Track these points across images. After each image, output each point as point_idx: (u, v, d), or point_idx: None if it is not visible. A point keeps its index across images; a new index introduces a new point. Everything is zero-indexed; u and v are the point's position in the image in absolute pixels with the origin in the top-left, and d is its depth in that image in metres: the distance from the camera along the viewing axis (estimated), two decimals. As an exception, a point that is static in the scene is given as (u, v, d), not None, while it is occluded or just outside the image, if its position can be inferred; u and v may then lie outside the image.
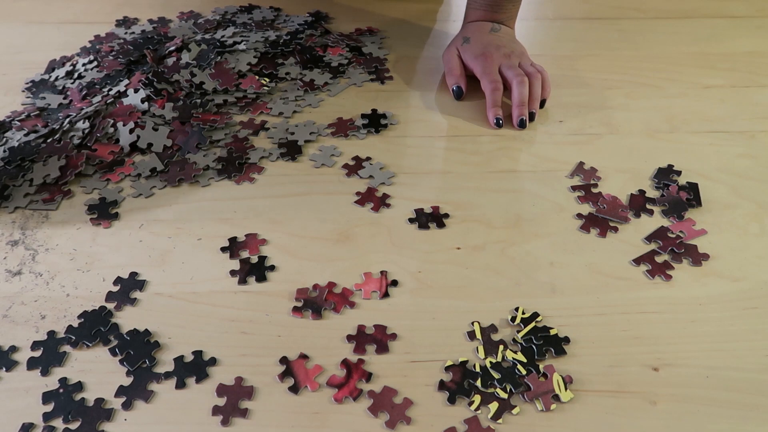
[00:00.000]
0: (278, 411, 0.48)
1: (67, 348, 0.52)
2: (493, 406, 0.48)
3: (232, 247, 0.60)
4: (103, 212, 0.63)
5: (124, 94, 0.73)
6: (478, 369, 0.50)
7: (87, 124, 0.69)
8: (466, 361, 0.51)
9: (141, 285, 0.56)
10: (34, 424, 0.47)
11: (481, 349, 0.52)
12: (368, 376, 0.50)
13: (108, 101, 0.72)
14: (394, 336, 0.53)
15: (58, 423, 0.47)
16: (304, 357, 0.51)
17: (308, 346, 0.52)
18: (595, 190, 0.66)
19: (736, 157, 0.70)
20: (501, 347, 0.52)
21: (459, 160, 0.70)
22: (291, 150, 0.70)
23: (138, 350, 0.51)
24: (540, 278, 0.57)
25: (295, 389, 0.49)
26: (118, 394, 0.49)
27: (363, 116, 0.74)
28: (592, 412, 0.48)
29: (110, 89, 0.74)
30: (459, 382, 0.49)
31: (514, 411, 0.48)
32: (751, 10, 0.96)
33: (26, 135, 0.68)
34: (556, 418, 0.48)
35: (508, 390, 0.49)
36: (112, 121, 0.70)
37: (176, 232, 0.61)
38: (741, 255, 0.60)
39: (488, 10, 0.81)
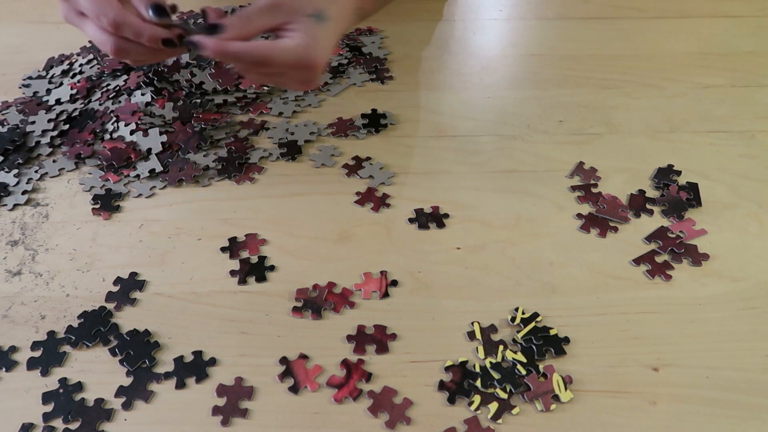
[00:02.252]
0: (278, 411, 0.48)
1: (67, 348, 0.52)
2: (493, 407, 0.48)
3: (232, 247, 0.60)
4: (106, 204, 0.63)
5: (125, 90, 0.73)
6: (478, 369, 0.50)
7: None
8: (466, 362, 0.51)
9: (141, 285, 0.56)
10: (34, 424, 0.47)
11: (480, 349, 0.52)
12: (368, 377, 0.50)
13: (110, 96, 0.72)
14: (394, 336, 0.53)
15: (58, 423, 0.47)
16: (304, 357, 0.51)
17: (308, 346, 0.52)
18: (595, 190, 0.66)
19: (736, 157, 0.70)
20: (501, 347, 0.52)
21: (459, 160, 0.70)
22: (291, 150, 0.70)
23: (138, 350, 0.51)
24: (540, 278, 0.57)
25: (295, 389, 0.49)
26: (118, 395, 0.49)
27: (363, 116, 0.74)
28: (592, 412, 0.48)
29: (109, 84, 0.75)
30: (459, 383, 0.49)
31: (514, 411, 0.48)
32: (751, 10, 0.96)
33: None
34: (556, 418, 0.48)
35: (508, 390, 0.49)
36: (115, 117, 0.70)
37: (176, 232, 0.61)
38: (741, 255, 0.60)
39: None
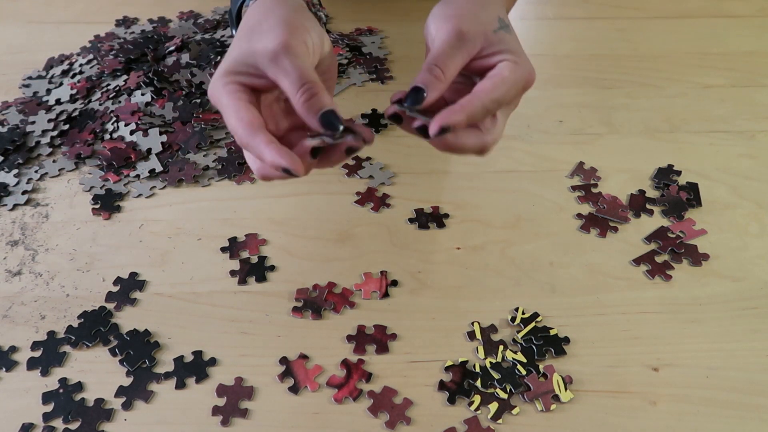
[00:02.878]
0: (278, 411, 0.48)
1: (67, 348, 0.52)
2: (493, 407, 0.48)
3: (232, 247, 0.60)
4: (106, 204, 0.63)
5: (125, 90, 0.73)
6: (478, 369, 0.50)
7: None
8: (466, 362, 0.51)
9: (141, 285, 0.56)
10: (34, 425, 0.47)
11: (481, 349, 0.52)
12: (368, 377, 0.50)
13: (110, 96, 0.72)
14: (394, 336, 0.53)
15: (58, 423, 0.47)
16: (304, 357, 0.51)
17: (308, 346, 0.52)
18: (595, 190, 0.66)
19: (736, 157, 0.70)
20: (501, 347, 0.52)
21: (459, 160, 0.69)
22: (291, 150, 0.70)
23: (138, 350, 0.51)
24: (540, 278, 0.57)
25: (295, 389, 0.49)
26: (118, 395, 0.49)
27: (363, 116, 0.74)
28: (591, 412, 0.48)
29: (109, 84, 0.75)
30: (459, 383, 0.49)
31: (514, 411, 0.48)
32: (751, 10, 0.96)
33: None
34: (556, 418, 0.48)
35: (508, 390, 0.49)
36: (115, 117, 0.70)
37: (176, 232, 0.61)
38: (741, 255, 0.60)
39: None
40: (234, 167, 0.67)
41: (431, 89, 0.43)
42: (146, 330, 0.53)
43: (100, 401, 0.48)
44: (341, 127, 0.42)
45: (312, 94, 0.41)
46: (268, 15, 0.45)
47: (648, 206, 0.64)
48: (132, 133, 0.69)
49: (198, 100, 0.74)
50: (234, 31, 0.54)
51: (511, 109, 0.47)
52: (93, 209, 0.63)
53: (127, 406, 0.48)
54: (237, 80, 0.43)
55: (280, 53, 0.42)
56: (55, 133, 0.70)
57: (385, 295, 0.56)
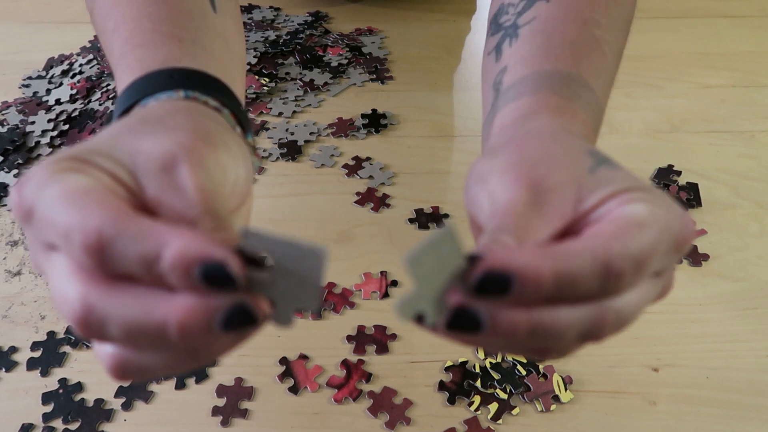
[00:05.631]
0: (278, 411, 0.48)
1: (66, 348, 0.52)
2: (493, 407, 0.48)
3: (232, 247, 0.60)
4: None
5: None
6: (477, 369, 0.50)
7: None
8: (466, 362, 0.51)
9: (141, 285, 0.56)
10: (34, 425, 0.47)
11: (480, 349, 0.52)
12: (368, 377, 0.50)
13: (110, 96, 0.72)
14: (393, 336, 0.53)
15: (58, 423, 0.47)
16: (304, 357, 0.51)
17: (308, 346, 0.52)
18: (595, 190, 0.66)
19: (736, 157, 0.70)
20: (501, 347, 0.52)
21: (459, 160, 0.69)
22: (291, 150, 0.70)
23: (138, 350, 0.51)
24: (540, 278, 0.57)
25: (294, 390, 0.49)
26: (117, 395, 0.49)
27: (363, 116, 0.74)
28: (591, 413, 0.48)
29: (109, 84, 0.75)
30: (459, 383, 0.49)
31: (514, 411, 0.48)
32: (751, 10, 0.96)
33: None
34: (555, 418, 0.48)
35: (507, 390, 0.49)
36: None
37: (176, 232, 0.61)
38: (741, 255, 0.60)
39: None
40: (234, 167, 0.67)
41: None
42: (146, 330, 0.53)
43: (100, 401, 0.48)
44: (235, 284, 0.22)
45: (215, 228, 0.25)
46: (178, 113, 0.30)
47: (648, 206, 0.64)
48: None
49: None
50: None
51: (657, 285, 0.27)
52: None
53: (127, 406, 0.48)
54: (91, 173, 0.24)
55: (180, 160, 0.26)
56: (55, 133, 0.70)
57: (385, 295, 0.56)
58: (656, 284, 0.27)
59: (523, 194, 0.27)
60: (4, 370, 0.50)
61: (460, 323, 0.24)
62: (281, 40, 0.84)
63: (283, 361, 0.51)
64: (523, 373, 0.50)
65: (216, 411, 0.48)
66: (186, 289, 0.22)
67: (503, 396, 0.48)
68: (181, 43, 0.36)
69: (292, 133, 0.72)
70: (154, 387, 0.49)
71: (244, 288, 0.23)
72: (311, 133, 0.72)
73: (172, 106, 0.31)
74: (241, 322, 0.23)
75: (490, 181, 0.29)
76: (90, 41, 0.85)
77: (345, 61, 0.82)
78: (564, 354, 0.26)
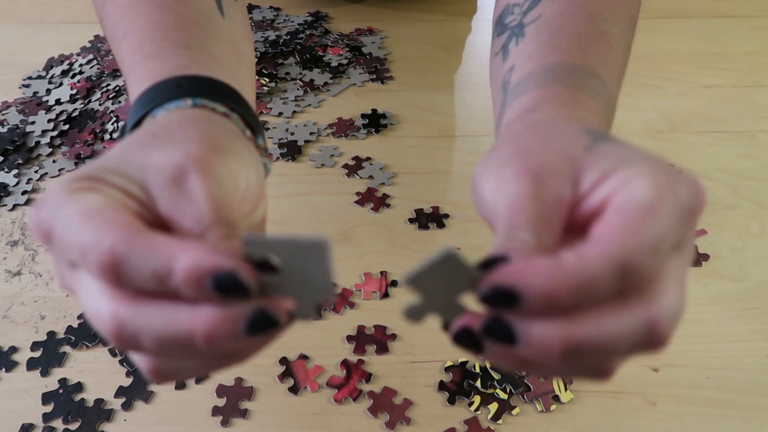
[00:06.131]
0: (278, 412, 0.48)
1: (66, 348, 0.52)
2: (493, 407, 0.48)
3: (232, 247, 0.60)
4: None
5: (125, 90, 0.73)
6: (477, 369, 0.50)
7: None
8: (466, 362, 0.51)
9: (141, 285, 0.56)
10: (34, 425, 0.47)
11: (481, 349, 0.51)
12: (368, 377, 0.50)
13: (110, 96, 0.72)
14: (393, 336, 0.53)
15: (58, 423, 0.47)
16: (304, 357, 0.51)
17: (308, 346, 0.52)
18: (595, 190, 0.66)
19: (736, 157, 0.70)
20: (501, 347, 0.52)
21: (459, 160, 0.69)
22: (291, 150, 0.70)
23: (138, 350, 0.51)
24: (540, 278, 0.57)
25: (294, 390, 0.49)
26: (117, 395, 0.49)
27: (363, 116, 0.74)
28: (591, 413, 0.48)
29: (109, 84, 0.75)
30: (459, 383, 0.49)
31: (514, 411, 0.48)
32: (751, 10, 0.96)
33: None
34: (555, 418, 0.48)
35: (507, 390, 0.49)
36: (115, 117, 0.70)
37: (176, 232, 0.61)
38: (741, 255, 0.60)
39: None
40: (234, 167, 0.67)
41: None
42: (146, 330, 0.53)
43: (100, 401, 0.48)
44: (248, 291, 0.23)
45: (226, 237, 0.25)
46: (186, 124, 0.30)
47: (648, 206, 0.64)
48: (132, 133, 0.69)
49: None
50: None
51: (682, 257, 0.26)
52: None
53: (127, 406, 0.48)
54: (105, 192, 0.25)
55: (190, 171, 0.26)
56: (55, 133, 0.70)
57: (385, 295, 0.56)
58: (681, 257, 0.26)
59: (527, 186, 0.27)
60: (4, 370, 0.50)
61: (494, 333, 0.24)
62: (281, 40, 0.85)
63: (283, 361, 0.51)
64: (523, 373, 0.50)
65: (216, 411, 0.48)
66: (203, 301, 0.23)
67: (503, 396, 0.48)
68: (189, 51, 0.36)
69: (292, 133, 0.72)
70: (154, 387, 0.49)
71: (258, 293, 0.24)
72: (311, 133, 0.72)
73: (179, 116, 0.31)
74: (264, 327, 0.24)
75: (491, 177, 0.29)
76: (90, 41, 0.85)
77: (345, 61, 0.82)
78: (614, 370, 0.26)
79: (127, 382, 0.49)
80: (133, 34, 0.38)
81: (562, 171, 0.27)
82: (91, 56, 0.80)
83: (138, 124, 0.33)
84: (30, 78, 0.78)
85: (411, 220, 0.62)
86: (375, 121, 0.74)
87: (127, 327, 0.23)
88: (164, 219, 0.26)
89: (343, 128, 0.73)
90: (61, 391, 0.49)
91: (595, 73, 0.36)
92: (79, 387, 0.49)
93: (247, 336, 0.23)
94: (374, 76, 0.81)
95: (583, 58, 0.37)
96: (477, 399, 0.48)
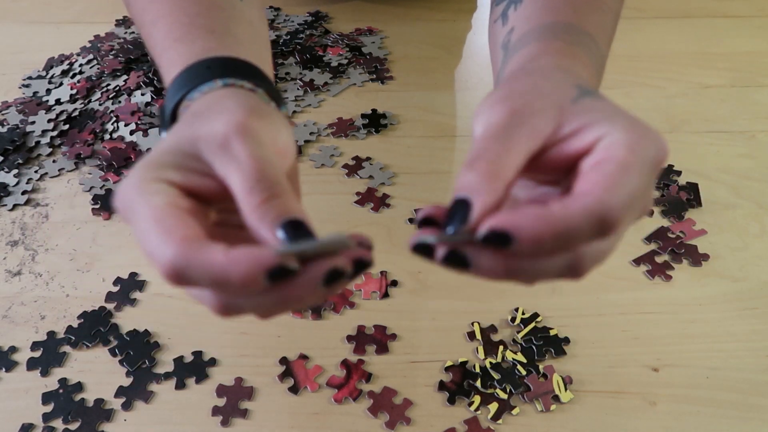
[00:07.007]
0: (278, 411, 0.48)
1: (66, 348, 0.52)
2: (493, 407, 0.48)
3: (232, 247, 0.60)
4: (106, 204, 0.63)
5: (125, 90, 0.73)
6: (477, 369, 0.50)
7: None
8: (466, 362, 0.51)
9: (141, 285, 0.56)
10: (34, 425, 0.47)
11: (480, 349, 0.52)
12: (368, 377, 0.50)
13: (110, 96, 0.72)
14: (393, 336, 0.53)
15: (58, 423, 0.47)
16: (303, 357, 0.51)
17: (308, 346, 0.52)
18: (595, 190, 0.66)
19: (736, 157, 0.70)
20: (501, 348, 0.52)
21: (459, 160, 0.69)
22: (291, 150, 0.70)
23: (138, 350, 0.51)
24: (540, 278, 0.57)
25: (294, 390, 0.49)
26: (117, 395, 0.49)
27: (363, 116, 0.74)
28: (591, 413, 0.48)
29: (109, 84, 0.75)
30: (459, 383, 0.49)
31: (514, 411, 0.48)
32: (751, 10, 0.96)
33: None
34: (555, 418, 0.48)
35: (507, 390, 0.49)
36: (115, 117, 0.70)
37: (176, 232, 0.61)
38: (741, 255, 0.60)
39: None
40: (234, 167, 0.67)
41: (477, 195, 0.28)
42: (146, 330, 0.53)
43: (99, 401, 0.48)
44: (314, 244, 0.30)
45: (272, 195, 0.29)
46: (222, 99, 0.34)
47: (648, 206, 0.64)
48: (132, 133, 0.69)
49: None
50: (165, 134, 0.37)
51: (639, 210, 0.28)
52: (93, 209, 0.63)
53: (127, 406, 0.48)
54: (166, 177, 0.30)
55: (233, 136, 0.31)
56: (55, 133, 0.70)
57: (385, 295, 0.56)
58: (638, 208, 0.29)
59: (502, 118, 0.30)
60: (4, 370, 0.50)
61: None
62: (281, 40, 0.85)
63: (283, 361, 0.51)
64: (523, 373, 0.50)
65: (216, 411, 0.48)
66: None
67: (503, 396, 0.48)
68: (214, 35, 0.40)
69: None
70: (154, 387, 0.49)
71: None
72: (311, 133, 0.72)
73: (213, 96, 0.35)
74: (282, 275, 0.27)
75: (483, 114, 0.32)
76: (90, 41, 0.85)
77: (345, 61, 0.82)
78: (536, 279, 0.30)
79: (127, 382, 0.49)
80: (162, 19, 0.41)
81: (547, 112, 0.30)
82: (91, 56, 0.80)
83: (177, 105, 0.37)
84: (30, 78, 0.78)
85: (411, 220, 0.62)
86: (375, 121, 0.74)
87: (183, 273, 0.27)
88: (220, 179, 0.30)
89: (343, 128, 0.73)
90: (61, 391, 0.49)
91: (589, 33, 0.40)
92: (79, 387, 0.49)
93: (324, 287, 0.29)
94: (374, 76, 0.81)
95: (578, 20, 0.40)
96: (477, 399, 0.48)
